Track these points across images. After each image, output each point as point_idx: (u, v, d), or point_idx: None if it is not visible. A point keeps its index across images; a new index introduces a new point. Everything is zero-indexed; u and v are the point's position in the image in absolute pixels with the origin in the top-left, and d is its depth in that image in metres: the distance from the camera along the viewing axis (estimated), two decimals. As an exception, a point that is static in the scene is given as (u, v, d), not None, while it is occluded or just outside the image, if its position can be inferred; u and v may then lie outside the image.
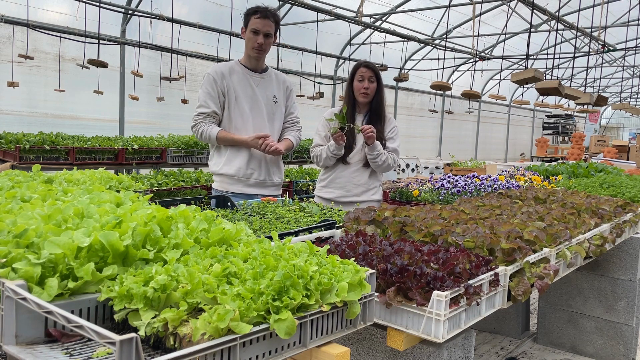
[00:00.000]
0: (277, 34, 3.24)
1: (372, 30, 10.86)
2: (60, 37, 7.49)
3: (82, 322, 0.88)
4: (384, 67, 11.16)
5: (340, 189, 3.37)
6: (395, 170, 10.72)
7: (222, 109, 3.19)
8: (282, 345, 1.11)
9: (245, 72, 3.20)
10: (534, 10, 7.48)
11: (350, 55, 12.08)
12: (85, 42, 7.19)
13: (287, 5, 9.20)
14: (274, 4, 9.72)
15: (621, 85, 19.90)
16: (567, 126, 21.39)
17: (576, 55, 9.79)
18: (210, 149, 3.36)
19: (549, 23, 11.72)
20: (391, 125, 3.44)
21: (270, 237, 1.54)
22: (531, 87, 7.71)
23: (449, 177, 4.23)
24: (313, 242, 1.57)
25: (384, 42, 11.82)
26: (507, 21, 9.60)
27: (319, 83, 11.21)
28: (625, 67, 17.60)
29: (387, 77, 13.54)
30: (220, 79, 3.13)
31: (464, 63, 15.03)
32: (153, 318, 1.06)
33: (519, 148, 21.79)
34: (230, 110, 3.17)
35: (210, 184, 4.91)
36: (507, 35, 11.51)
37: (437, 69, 12.83)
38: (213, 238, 1.39)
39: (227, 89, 3.15)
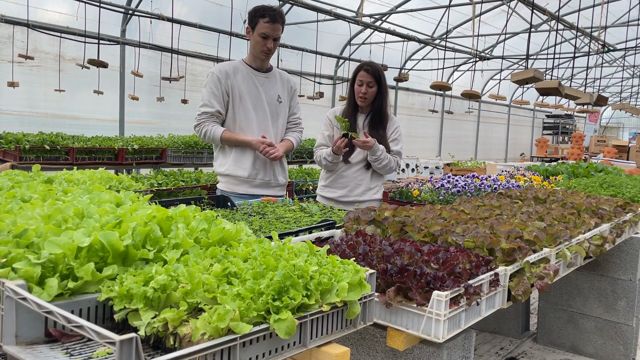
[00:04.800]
0: None
1: (372, 30, 10.86)
2: (60, 37, 7.49)
3: (82, 322, 0.88)
4: (384, 67, 11.15)
5: (342, 189, 3.36)
6: (395, 170, 10.72)
7: (226, 109, 3.17)
8: (282, 345, 1.11)
9: (249, 72, 3.18)
10: (534, 10, 7.48)
11: (350, 55, 12.08)
12: (85, 42, 7.19)
13: (287, 5, 9.19)
14: (274, 4, 9.72)
15: (621, 85, 19.90)
16: (567, 126, 21.39)
17: (576, 55, 9.79)
18: (214, 149, 3.34)
19: (549, 23, 11.73)
20: (394, 126, 3.40)
21: (270, 237, 1.54)
22: (531, 87, 7.72)
23: (449, 177, 4.23)
24: (313, 242, 1.57)
25: (384, 42, 11.82)
26: (507, 21, 9.60)
27: (319, 83, 11.21)
28: (625, 67, 17.60)
29: (387, 77, 13.47)
30: (224, 78, 3.11)
31: (464, 63, 15.03)
32: (153, 318, 1.06)
33: (519, 148, 21.79)
34: (235, 109, 3.15)
35: (211, 184, 4.93)
36: (507, 35, 11.50)
37: (437, 69, 12.84)
38: (213, 238, 1.39)
39: (232, 89, 3.13)
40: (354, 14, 9.22)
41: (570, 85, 8.64)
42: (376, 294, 1.45)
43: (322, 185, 3.48)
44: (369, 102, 3.32)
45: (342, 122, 3.14)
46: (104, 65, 6.61)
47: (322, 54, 10.88)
